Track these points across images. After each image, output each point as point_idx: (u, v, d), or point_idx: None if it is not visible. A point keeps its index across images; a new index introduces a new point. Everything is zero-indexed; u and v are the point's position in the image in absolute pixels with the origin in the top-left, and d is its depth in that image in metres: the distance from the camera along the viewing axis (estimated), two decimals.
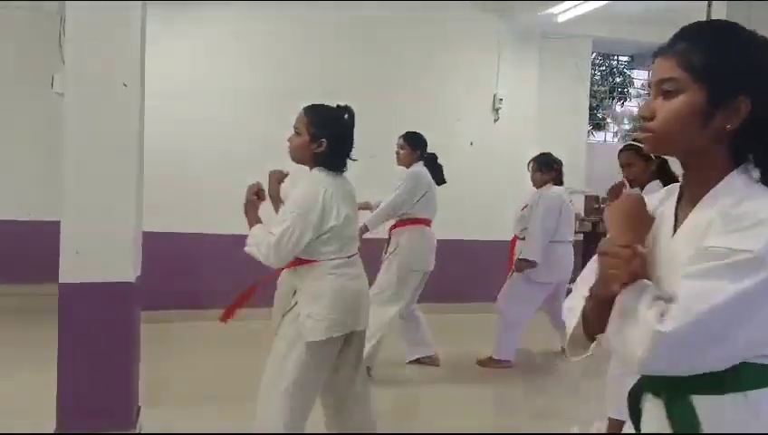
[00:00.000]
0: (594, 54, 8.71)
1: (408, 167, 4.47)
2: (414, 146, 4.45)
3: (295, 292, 2.56)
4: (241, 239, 6.12)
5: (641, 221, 1.17)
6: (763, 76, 1.09)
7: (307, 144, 2.56)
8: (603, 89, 10.45)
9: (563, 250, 4.81)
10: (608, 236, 1.17)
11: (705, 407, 1.05)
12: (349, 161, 2.66)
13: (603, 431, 3.18)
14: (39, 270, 4.56)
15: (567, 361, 4.93)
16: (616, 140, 10.83)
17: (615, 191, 3.80)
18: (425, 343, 4.66)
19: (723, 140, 1.11)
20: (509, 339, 4.75)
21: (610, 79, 10.64)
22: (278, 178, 2.66)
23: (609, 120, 11.14)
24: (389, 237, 4.50)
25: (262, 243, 2.50)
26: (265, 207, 2.74)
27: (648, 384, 1.17)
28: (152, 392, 3.57)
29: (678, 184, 1.23)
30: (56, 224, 2.96)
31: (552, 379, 4.69)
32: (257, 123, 5.81)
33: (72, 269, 2.94)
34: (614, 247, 1.10)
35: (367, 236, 4.05)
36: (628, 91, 10.84)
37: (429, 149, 4.53)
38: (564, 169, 5.00)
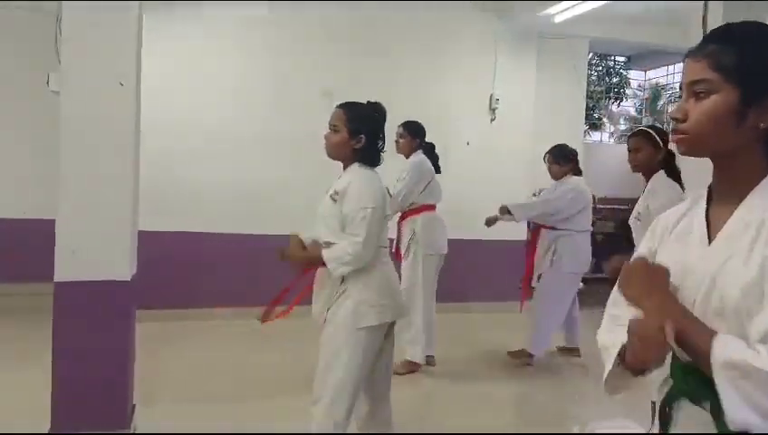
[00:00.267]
0: (591, 55, 8.73)
1: (407, 155, 4.51)
2: (414, 134, 4.50)
3: (343, 280, 2.54)
4: (237, 238, 6.15)
5: (664, 288, 1.13)
6: None
7: (346, 140, 2.57)
8: (600, 89, 10.47)
9: (584, 240, 4.84)
10: (635, 312, 1.14)
11: None
12: None
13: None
14: (34, 269, 4.54)
15: (567, 360, 4.97)
16: (612, 140, 10.85)
17: (614, 268, 3.72)
18: (411, 342, 4.66)
19: (757, 138, 1.11)
20: (545, 334, 4.76)
21: (607, 79, 10.66)
22: (298, 243, 2.67)
23: (605, 120, 11.17)
24: (399, 229, 4.58)
25: (345, 249, 2.48)
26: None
27: (686, 391, 1.14)
28: (147, 391, 3.56)
29: (703, 192, 1.22)
30: (52, 222, 2.95)
31: (552, 379, 4.68)
32: (253, 123, 5.80)
33: (68, 268, 2.94)
34: (646, 330, 1.08)
35: None
36: (624, 91, 10.87)
37: None
38: None
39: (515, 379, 4.61)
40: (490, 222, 4.92)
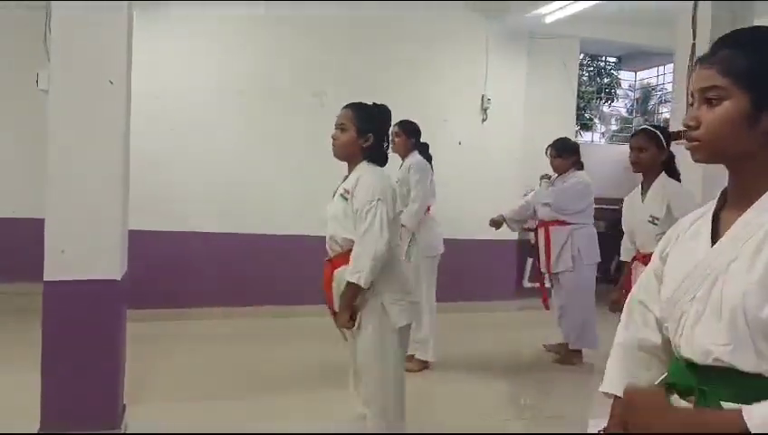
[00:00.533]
0: (582, 55, 8.75)
1: (403, 155, 4.51)
2: (410, 134, 4.50)
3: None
4: (228, 238, 6.13)
5: (667, 406, 1.14)
6: None
7: (355, 139, 2.58)
8: (591, 89, 10.50)
9: (594, 232, 4.89)
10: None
11: None
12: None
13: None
14: (24, 268, 4.51)
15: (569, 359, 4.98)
16: (603, 140, 10.89)
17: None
18: (422, 342, 4.67)
19: None
20: (592, 328, 4.78)
21: (598, 79, 10.69)
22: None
23: (596, 120, 11.20)
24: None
25: (359, 255, 2.46)
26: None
27: (677, 385, 1.17)
28: (137, 391, 3.55)
29: (714, 200, 1.24)
30: (41, 222, 2.93)
31: (552, 378, 4.70)
32: (243, 122, 5.79)
33: (57, 267, 2.92)
34: None
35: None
36: (615, 91, 10.90)
37: None
38: None
39: (515, 378, 4.63)
40: (497, 224, 4.94)
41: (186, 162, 5.62)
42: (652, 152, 3.46)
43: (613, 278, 5.10)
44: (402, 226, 4.38)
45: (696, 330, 1.12)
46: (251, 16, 5.77)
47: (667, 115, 9.81)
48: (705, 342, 1.10)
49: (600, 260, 4.92)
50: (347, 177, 2.66)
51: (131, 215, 3.47)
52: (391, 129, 4.51)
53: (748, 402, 1.03)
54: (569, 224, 4.77)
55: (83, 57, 2.95)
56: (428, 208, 4.59)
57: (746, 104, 1.11)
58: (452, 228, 5.13)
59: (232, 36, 5.80)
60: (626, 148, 3.89)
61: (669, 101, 8.87)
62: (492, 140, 6.56)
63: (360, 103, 2.65)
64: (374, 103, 2.68)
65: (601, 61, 10.54)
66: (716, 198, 1.24)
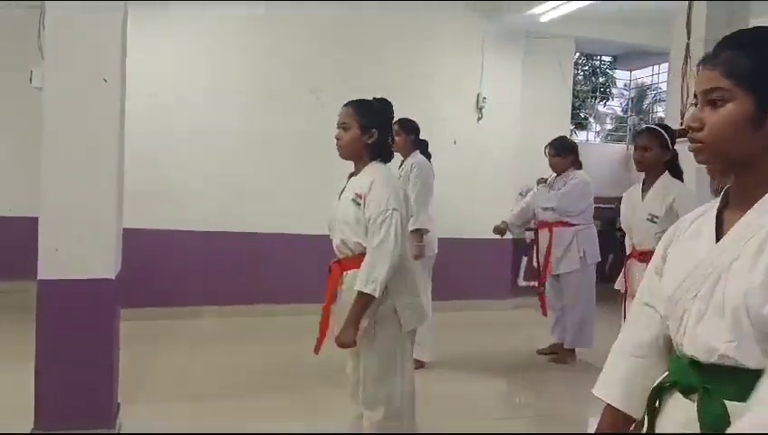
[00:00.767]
0: (577, 54, 8.77)
1: (403, 153, 4.49)
2: (409, 132, 4.49)
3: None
4: (223, 236, 6.12)
5: None
6: None
7: (359, 137, 2.52)
8: (586, 88, 10.52)
9: (594, 232, 4.91)
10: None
11: (738, 414, 1.06)
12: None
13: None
14: (18, 266, 4.49)
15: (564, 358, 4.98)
16: (598, 139, 10.92)
17: None
18: (418, 342, 4.67)
19: None
20: (591, 328, 4.79)
21: (593, 79, 10.72)
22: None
23: (591, 119, 11.23)
24: None
25: (371, 264, 2.39)
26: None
27: (679, 383, 1.17)
28: (132, 390, 3.54)
29: (717, 200, 1.23)
30: (35, 220, 2.92)
31: (547, 377, 4.71)
32: (240, 121, 5.78)
33: (51, 266, 2.91)
34: None
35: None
36: (610, 91, 10.93)
37: None
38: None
39: (514, 378, 4.64)
40: (501, 231, 4.97)
41: (182, 161, 5.60)
42: (656, 151, 3.47)
43: (608, 277, 5.11)
44: (423, 231, 4.35)
45: (698, 328, 1.12)
46: (247, 17, 5.75)
47: (661, 114, 9.82)
48: (709, 339, 1.10)
49: (600, 260, 4.94)
50: (352, 175, 2.61)
51: (127, 213, 3.46)
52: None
53: None
54: (573, 225, 4.78)
55: (77, 55, 2.94)
56: None
57: (750, 106, 1.10)
58: (447, 227, 5.12)
59: (229, 35, 5.78)
60: (621, 147, 3.90)
61: (664, 101, 8.90)
62: (487, 139, 6.57)
63: (361, 100, 2.60)
64: (374, 98, 2.64)
65: (596, 60, 10.56)
66: (719, 198, 1.24)
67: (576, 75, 9.24)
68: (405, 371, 2.53)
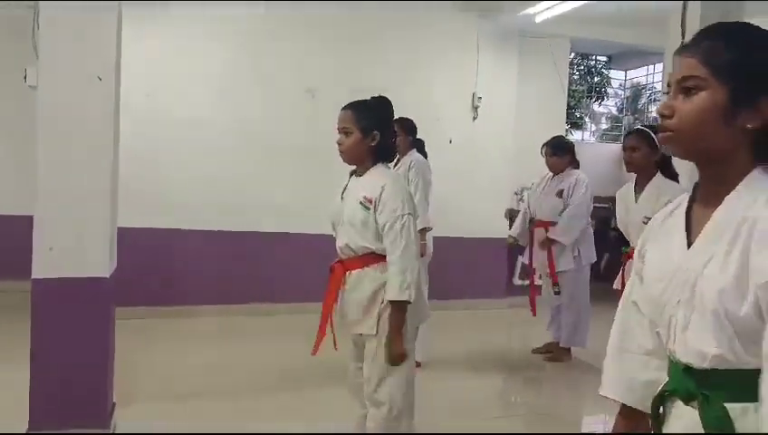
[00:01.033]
0: (572, 54, 8.78)
1: (401, 152, 4.50)
2: (408, 131, 4.49)
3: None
4: (218, 235, 6.10)
5: None
6: None
7: (361, 140, 2.45)
8: (581, 88, 10.55)
9: (590, 232, 4.91)
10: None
11: (739, 415, 1.06)
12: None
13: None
14: (11, 265, 4.48)
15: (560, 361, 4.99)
16: (594, 139, 10.94)
17: None
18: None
19: (743, 139, 1.09)
20: (586, 327, 4.79)
21: (588, 78, 10.74)
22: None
23: (586, 119, 11.25)
24: None
25: (398, 273, 2.37)
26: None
27: (678, 391, 1.16)
28: (127, 390, 3.53)
29: (687, 195, 1.22)
30: (30, 219, 2.91)
31: (542, 376, 4.71)
32: (235, 120, 5.77)
33: (46, 265, 2.90)
34: None
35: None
36: (605, 90, 10.96)
37: None
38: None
39: (513, 377, 4.65)
40: (512, 247, 5.05)
41: (179, 160, 5.58)
42: (644, 152, 3.49)
43: (603, 276, 5.13)
44: (427, 229, 4.35)
45: (687, 334, 1.11)
46: (244, 16, 5.74)
47: (656, 114, 9.83)
48: (698, 345, 1.09)
49: (596, 259, 4.95)
50: (353, 174, 2.57)
51: (123, 211, 3.45)
52: None
53: (751, 400, 1.03)
54: None
55: (72, 53, 2.93)
56: None
57: (723, 97, 1.08)
58: (443, 226, 5.12)
59: (228, 34, 5.77)
60: (616, 146, 3.92)
61: (659, 100, 8.91)
62: (482, 139, 6.57)
63: (359, 102, 2.53)
64: (372, 97, 2.58)
65: (592, 60, 10.58)
66: (688, 194, 1.22)
67: (571, 75, 9.26)
68: (410, 370, 2.52)
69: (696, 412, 1.11)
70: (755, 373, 1.03)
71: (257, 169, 5.79)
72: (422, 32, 6.34)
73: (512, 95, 6.75)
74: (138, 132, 5.02)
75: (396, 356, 2.41)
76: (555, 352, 4.89)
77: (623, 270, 3.66)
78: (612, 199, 4.06)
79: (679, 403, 1.16)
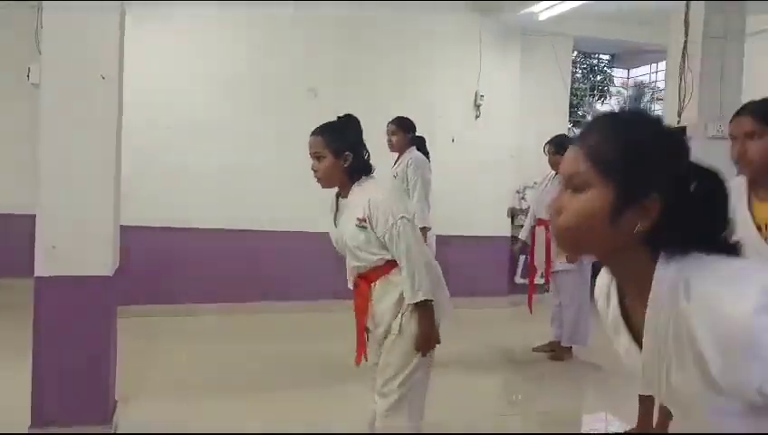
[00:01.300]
0: (575, 53, 8.77)
1: (401, 151, 4.50)
2: (406, 130, 4.51)
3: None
4: (220, 234, 6.10)
5: None
6: (673, 172, 1.02)
7: (334, 162, 2.48)
8: (584, 87, 10.53)
9: None
10: None
11: None
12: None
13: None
14: (14, 264, 4.49)
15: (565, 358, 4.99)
16: None
17: None
18: None
19: (635, 237, 1.02)
20: (587, 325, 4.78)
21: (591, 77, 10.73)
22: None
23: (589, 117, 11.24)
24: None
25: (410, 277, 2.40)
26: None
27: None
28: (130, 388, 3.54)
29: (607, 273, 1.17)
30: (33, 217, 2.92)
31: (544, 374, 4.71)
32: (239, 119, 5.77)
33: (48, 263, 2.91)
34: None
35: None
36: (608, 89, 10.94)
37: None
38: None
39: (512, 375, 4.64)
40: (523, 251, 5.08)
41: (181, 158, 5.59)
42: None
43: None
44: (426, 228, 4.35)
45: (676, 409, 1.10)
46: (247, 16, 5.74)
47: (659, 113, 9.83)
48: (695, 413, 1.05)
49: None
50: (338, 195, 2.58)
51: (126, 210, 3.46)
52: (387, 127, 4.53)
53: None
54: None
55: (75, 52, 2.93)
56: None
57: (611, 196, 1.01)
58: (445, 225, 5.13)
59: (229, 33, 5.78)
60: None
61: (662, 99, 8.89)
62: (485, 137, 6.57)
63: (327, 125, 2.55)
64: (338, 118, 2.59)
65: (594, 58, 10.57)
66: (611, 283, 1.17)
67: (574, 73, 9.25)
68: (427, 367, 2.54)
69: None
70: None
71: (260, 168, 5.79)
72: (424, 30, 6.34)
73: (514, 93, 6.75)
74: (139, 131, 5.02)
75: (425, 347, 2.45)
76: (556, 351, 4.90)
77: None
78: None
79: None
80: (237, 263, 5.79)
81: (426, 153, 4.62)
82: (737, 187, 2.15)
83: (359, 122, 2.59)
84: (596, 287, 1.24)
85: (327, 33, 5.99)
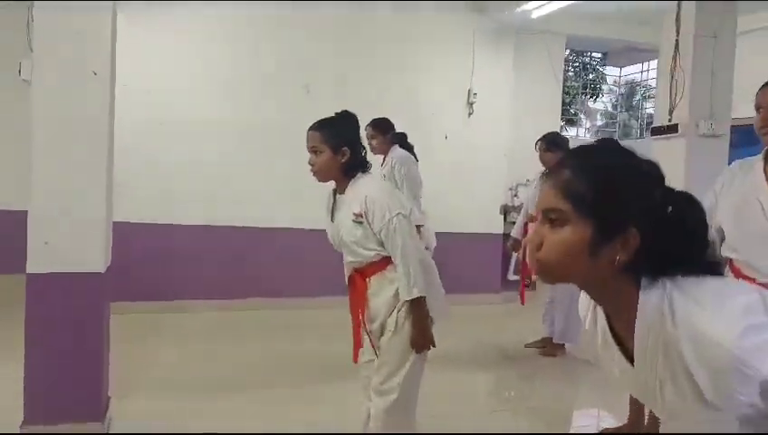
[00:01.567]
0: (568, 51, 8.80)
1: (384, 153, 4.48)
2: (385, 131, 4.49)
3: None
4: (213, 230, 6.08)
5: None
6: (648, 203, 1.03)
7: (332, 157, 2.48)
8: (576, 85, 10.57)
9: None
10: None
11: None
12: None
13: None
14: (6, 260, 4.46)
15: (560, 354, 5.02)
16: (588, 135, 10.98)
17: None
18: None
19: (616, 267, 1.03)
20: (577, 321, 4.79)
21: (583, 75, 10.77)
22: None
23: (581, 115, 11.29)
24: None
25: (404, 273, 2.42)
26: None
27: None
28: (122, 384, 3.53)
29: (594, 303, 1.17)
30: (24, 213, 2.90)
31: (536, 370, 4.73)
32: (231, 116, 5.76)
33: (41, 259, 2.89)
34: None
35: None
36: (600, 87, 11.00)
37: None
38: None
39: (511, 373, 4.66)
40: (516, 248, 5.03)
41: (175, 155, 5.58)
42: None
43: None
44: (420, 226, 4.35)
45: (673, 422, 1.11)
46: (241, 15, 5.73)
47: (651, 111, 9.89)
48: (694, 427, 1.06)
49: None
50: (335, 191, 2.59)
51: (119, 206, 3.45)
52: (365, 131, 4.52)
53: None
54: None
55: (66, 48, 2.92)
56: None
57: (588, 232, 1.02)
58: (438, 222, 5.14)
59: (224, 31, 5.76)
60: None
61: (653, 97, 8.93)
62: (478, 135, 6.59)
63: (325, 121, 2.55)
64: (336, 114, 2.60)
65: (587, 57, 10.62)
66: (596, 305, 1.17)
67: (566, 72, 9.28)
68: (422, 365, 2.55)
69: None
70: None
71: (253, 165, 5.79)
72: (418, 28, 6.34)
73: (507, 91, 6.77)
74: (135, 128, 5.01)
75: (424, 345, 2.47)
76: (548, 347, 4.92)
77: None
78: None
79: None
80: (233, 260, 5.79)
81: (410, 148, 4.60)
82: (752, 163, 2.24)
83: (356, 119, 2.60)
84: (579, 306, 1.24)
85: (321, 32, 5.99)
